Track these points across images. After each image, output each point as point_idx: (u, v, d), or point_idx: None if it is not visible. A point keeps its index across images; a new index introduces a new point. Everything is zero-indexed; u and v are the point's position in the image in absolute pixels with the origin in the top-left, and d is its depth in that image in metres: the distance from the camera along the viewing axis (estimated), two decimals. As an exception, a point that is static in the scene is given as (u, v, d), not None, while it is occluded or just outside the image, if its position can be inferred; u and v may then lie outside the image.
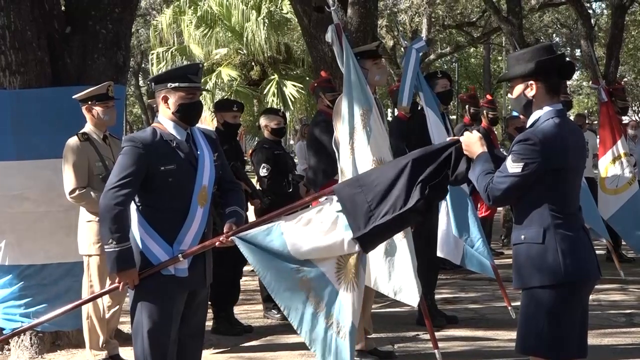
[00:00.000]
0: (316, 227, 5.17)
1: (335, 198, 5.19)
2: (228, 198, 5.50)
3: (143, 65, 44.25)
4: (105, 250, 5.17)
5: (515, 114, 13.34)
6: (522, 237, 4.70)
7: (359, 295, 5.16)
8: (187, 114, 5.30)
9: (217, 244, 5.24)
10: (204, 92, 26.14)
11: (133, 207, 5.25)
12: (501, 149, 14.37)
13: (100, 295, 6.45)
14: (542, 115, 4.69)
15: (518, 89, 4.78)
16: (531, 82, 4.71)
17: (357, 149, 6.64)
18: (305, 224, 5.19)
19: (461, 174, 4.96)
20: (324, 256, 5.15)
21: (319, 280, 5.15)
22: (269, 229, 5.19)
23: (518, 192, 4.65)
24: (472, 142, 4.89)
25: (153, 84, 5.39)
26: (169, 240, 5.19)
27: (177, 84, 5.25)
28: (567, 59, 5.09)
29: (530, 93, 4.73)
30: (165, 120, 5.32)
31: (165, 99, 5.27)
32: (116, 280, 5.25)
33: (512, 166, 4.59)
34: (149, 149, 5.16)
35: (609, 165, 11.11)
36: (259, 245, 5.17)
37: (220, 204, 5.52)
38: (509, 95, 4.92)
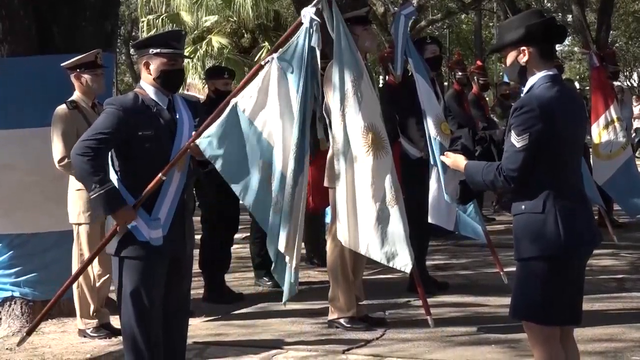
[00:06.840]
0: (272, 89, 5.44)
1: (275, 55, 5.58)
2: None
3: (134, 34, 43.96)
4: (92, 197, 5.19)
5: (506, 79, 13.33)
6: (522, 207, 4.60)
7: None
8: (168, 80, 5.30)
9: (188, 151, 5.31)
10: (194, 60, 26.10)
11: (114, 175, 5.26)
12: (492, 115, 14.43)
13: (90, 261, 6.31)
14: (536, 81, 4.60)
15: (511, 56, 4.69)
16: (523, 47, 4.63)
17: (349, 115, 6.61)
18: (258, 90, 5.40)
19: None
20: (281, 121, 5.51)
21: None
22: (227, 115, 5.37)
23: (533, 164, 4.53)
24: (454, 159, 4.85)
25: (135, 49, 5.38)
26: (147, 206, 5.21)
27: (158, 50, 5.26)
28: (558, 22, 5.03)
29: (523, 59, 4.64)
30: (146, 86, 5.34)
31: (147, 65, 5.28)
32: (113, 224, 5.29)
33: (518, 140, 4.46)
34: (129, 113, 5.19)
35: (602, 130, 11.06)
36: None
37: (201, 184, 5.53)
38: (504, 65, 4.86)
